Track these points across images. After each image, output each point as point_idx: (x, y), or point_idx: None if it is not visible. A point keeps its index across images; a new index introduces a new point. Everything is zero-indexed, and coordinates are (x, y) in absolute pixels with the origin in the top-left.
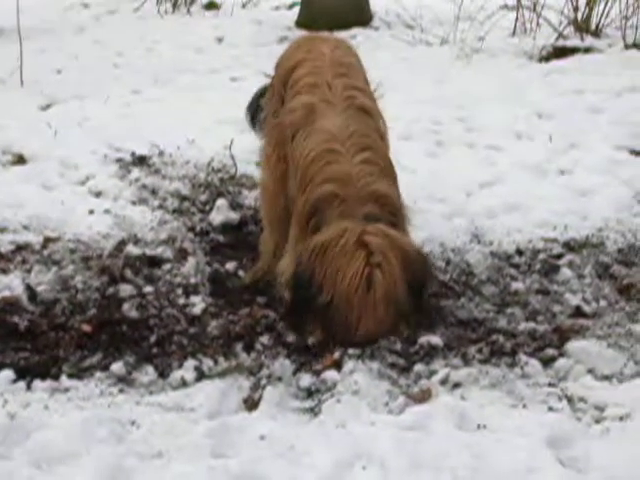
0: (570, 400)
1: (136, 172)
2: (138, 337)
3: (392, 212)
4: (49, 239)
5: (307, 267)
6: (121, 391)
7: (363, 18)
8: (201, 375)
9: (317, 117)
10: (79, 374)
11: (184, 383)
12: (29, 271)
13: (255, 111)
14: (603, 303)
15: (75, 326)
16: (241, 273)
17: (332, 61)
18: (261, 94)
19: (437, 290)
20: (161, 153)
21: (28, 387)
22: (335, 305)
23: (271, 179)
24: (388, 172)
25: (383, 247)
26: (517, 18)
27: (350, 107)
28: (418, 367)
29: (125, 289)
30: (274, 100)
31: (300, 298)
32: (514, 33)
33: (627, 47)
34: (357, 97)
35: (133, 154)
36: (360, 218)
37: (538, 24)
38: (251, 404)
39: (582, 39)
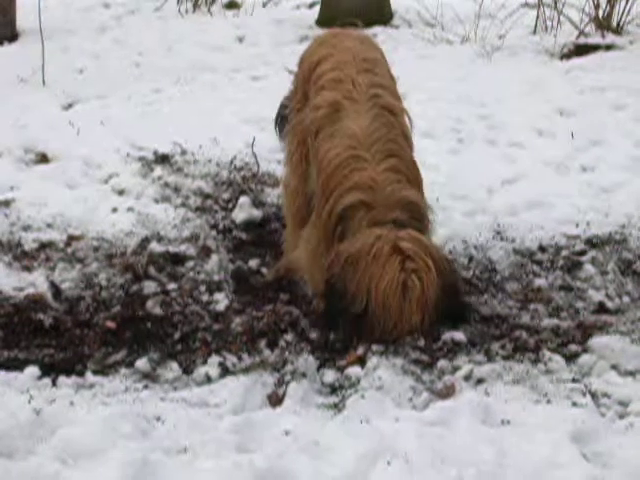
0: (594, 395)
1: (159, 170)
2: (162, 334)
3: (418, 218)
4: (73, 237)
5: (340, 278)
6: (146, 387)
7: (384, 17)
8: (225, 371)
9: (342, 116)
10: (104, 370)
11: (208, 379)
12: (53, 269)
13: (282, 123)
14: (626, 299)
15: (99, 323)
16: (264, 270)
17: (356, 56)
18: (285, 105)
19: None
20: (183, 152)
21: (53, 383)
22: (370, 312)
23: (293, 177)
24: (413, 178)
25: (418, 253)
26: (538, 16)
27: (375, 106)
28: (442, 363)
29: (149, 286)
30: (297, 97)
31: (334, 308)
32: (535, 31)
33: None
34: (382, 96)
35: (155, 153)
36: (389, 224)
37: (559, 22)
38: (275, 400)
39: (603, 36)
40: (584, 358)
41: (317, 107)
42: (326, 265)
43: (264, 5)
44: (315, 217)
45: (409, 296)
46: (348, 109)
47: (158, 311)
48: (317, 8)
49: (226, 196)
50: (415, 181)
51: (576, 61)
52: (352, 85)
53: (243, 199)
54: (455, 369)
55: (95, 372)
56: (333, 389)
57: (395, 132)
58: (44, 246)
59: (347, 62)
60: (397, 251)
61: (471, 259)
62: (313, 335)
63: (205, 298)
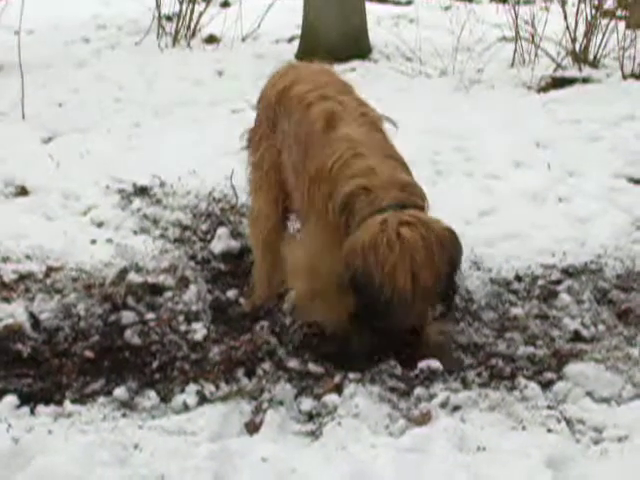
0: (569, 422)
1: (137, 202)
2: (140, 363)
3: (417, 197)
4: (52, 268)
5: (362, 269)
6: (124, 415)
7: (362, 50)
8: (203, 399)
9: (338, 124)
10: (82, 399)
11: (186, 407)
12: (32, 299)
13: None
14: (601, 327)
15: (78, 353)
16: (242, 300)
17: (328, 81)
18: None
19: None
20: (162, 184)
21: (32, 412)
22: (390, 302)
23: (265, 203)
24: (407, 169)
25: (421, 241)
26: (515, 49)
27: (366, 123)
28: (418, 391)
29: (127, 316)
30: (262, 128)
31: (366, 298)
32: (513, 64)
33: (625, 77)
34: (369, 114)
35: (134, 185)
36: (391, 207)
37: (536, 55)
38: (253, 428)
39: (580, 69)
40: (559, 385)
41: (312, 121)
42: (344, 260)
43: (244, 40)
44: (315, 221)
45: (418, 286)
46: (345, 118)
47: (136, 341)
48: (296, 42)
49: (204, 227)
50: (409, 171)
51: (553, 94)
52: (339, 103)
53: (221, 230)
54: (431, 396)
55: (73, 401)
56: (310, 417)
57: (388, 141)
58: (23, 277)
59: (324, 84)
60: (403, 240)
61: None
62: (290, 364)
63: (183, 328)
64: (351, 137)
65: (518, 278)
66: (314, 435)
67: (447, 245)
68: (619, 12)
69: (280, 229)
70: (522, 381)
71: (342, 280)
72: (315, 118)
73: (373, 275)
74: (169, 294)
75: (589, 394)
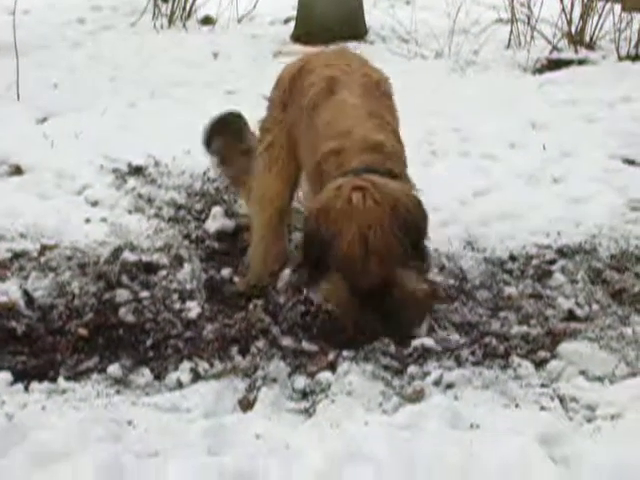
0: (562, 400)
1: (132, 182)
2: (134, 341)
3: (388, 159)
4: (46, 247)
5: (314, 228)
6: (118, 392)
7: (358, 32)
8: (197, 377)
9: (338, 89)
10: (76, 376)
11: (180, 385)
12: (26, 278)
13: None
14: (595, 307)
15: (72, 330)
16: (236, 279)
17: (340, 56)
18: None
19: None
20: (157, 163)
21: (26, 389)
22: (343, 264)
23: (273, 182)
24: (389, 129)
25: (373, 206)
26: (511, 31)
27: (365, 85)
28: (412, 369)
29: (121, 294)
30: (275, 113)
31: (313, 256)
32: (508, 46)
33: (621, 59)
34: (371, 75)
35: (129, 164)
36: (354, 168)
37: (532, 37)
38: (246, 405)
39: (576, 51)
40: (553, 364)
41: (312, 84)
42: (303, 222)
43: (239, 21)
44: (310, 183)
45: (369, 252)
46: (344, 83)
47: (130, 318)
48: (292, 24)
49: (199, 207)
50: (393, 132)
51: (549, 75)
52: (342, 69)
53: (216, 209)
54: (425, 374)
55: (67, 378)
56: (304, 394)
57: (384, 106)
58: (17, 255)
59: (335, 59)
60: (354, 206)
61: (443, 268)
62: (284, 342)
63: (177, 306)
64: (345, 101)
65: (512, 258)
66: (307, 412)
67: (403, 211)
68: None
69: (284, 212)
70: (516, 360)
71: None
72: (317, 83)
73: (324, 239)
74: (163, 272)
75: (583, 373)
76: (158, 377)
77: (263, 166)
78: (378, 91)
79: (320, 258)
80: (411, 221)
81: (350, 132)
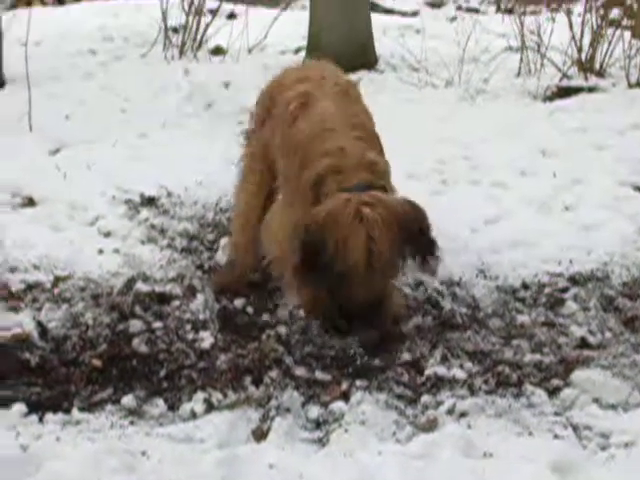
0: (575, 428)
1: (145, 213)
2: (148, 371)
3: (381, 177)
4: (59, 278)
5: (319, 234)
6: (132, 423)
7: (368, 61)
8: (210, 407)
9: (313, 102)
10: (90, 407)
11: (194, 415)
12: (40, 309)
13: None
14: (608, 335)
15: (86, 361)
16: (249, 309)
17: (319, 70)
18: None
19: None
20: (169, 194)
21: (40, 420)
22: (343, 275)
23: (250, 193)
24: (375, 145)
25: (380, 220)
26: (521, 59)
27: (339, 94)
28: (425, 398)
29: (135, 325)
30: (255, 126)
31: (312, 261)
32: (519, 74)
33: (631, 86)
34: (341, 82)
35: (142, 195)
36: (356, 185)
37: (542, 65)
38: (260, 435)
39: (586, 79)
40: (566, 392)
41: (289, 101)
42: (304, 227)
43: (250, 51)
44: (292, 187)
45: (372, 264)
46: (319, 96)
47: (144, 349)
48: (303, 53)
49: (211, 237)
50: (377, 147)
51: (559, 103)
52: (317, 83)
53: (226, 240)
54: (438, 404)
55: (81, 409)
56: (317, 424)
57: (359, 110)
58: (31, 287)
59: (312, 72)
60: (361, 219)
61: (455, 296)
62: (298, 372)
63: (190, 336)
64: (324, 112)
65: (525, 286)
66: (321, 442)
67: (405, 220)
68: (625, 21)
69: (259, 218)
70: (529, 388)
71: (293, 244)
72: (292, 98)
73: (328, 246)
74: (176, 303)
75: (596, 400)
76: (172, 408)
77: (242, 175)
78: (350, 97)
79: (318, 265)
80: (414, 225)
81: (343, 149)
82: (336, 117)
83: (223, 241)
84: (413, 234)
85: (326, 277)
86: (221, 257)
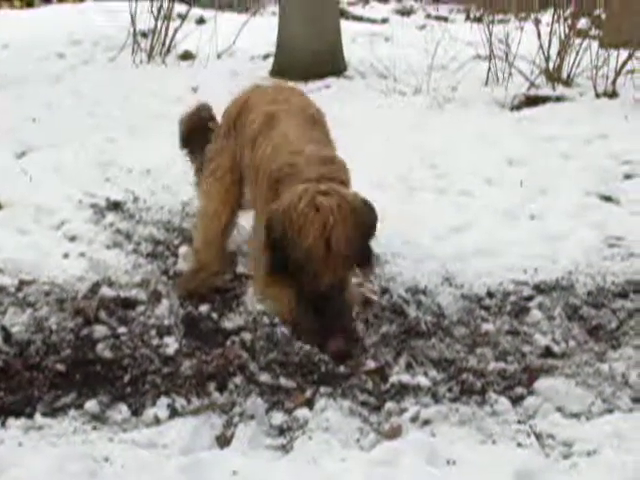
0: (539, 437)
1: (111, 217)
2: (112, 377)
3: (338, 170)
4: (24, 282)
5: (280, 225)
6: (95, 428)
7: (337, 68)
8: (174, 413)
9: (276, 123)
10: (53, 412)
11: (157, 421)
12: (4, 313)
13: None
14: (572, 343)
15: (49, 366)
16: (214, 315)
17: (285, 92)
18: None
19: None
20: (136, 199)
21: (2, 425)
22: (304, 262)
23: (219, 202)
24: (333, 148)
25: (336, 208)
26: (489, 68)
27: (304, 119)
28: (389, 405)
29: (99, 330)
30: (220, 141)
31: (277, 255)
32: (486, 82)
33: (598, 96)
34: (308, 110)
35: (108, 200)
36: (313, 178)
37: (510, 73)
38: (224, 441)
39: (554, 88)
40: (529, 400)
41: (252, 121)
42: (265, 222)
43: (219, 56)
44: (260, 201)
45: (331, 249)
46: (283, 117)
47: (108, 354)
48: (271, 59)
49: (177, 242)
50: (334, 149)
51: (526, 112)
52: (283, 105)
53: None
54: (402, 411)
55: (44, 414)
56: (281, 430)
57: (322, 134)
58: None
59: (279, 94)
60: (317, 209)
61: (420, 304)
62: (262, 378)
63: (155, 342)
64: (287, 132)
65: (490, 294)
66: (285, 449)
67: (360, 214)
68: (592, 31)
69: (228, 230)
70: (492, 396)
71: (260, 242)
72: (258, 119)
73: (288, 235)
74: (141, 308)
75: (559, 409)
76: (135, 413)
77: (208, 188)
78: (314, 122)
79: (282, 259)
80: (367, 223)
81: (302, 150)
82: (299, 138)
83: (182, 249)
84: (365, 228)
85: (290, 265)
86: (182, 265)
